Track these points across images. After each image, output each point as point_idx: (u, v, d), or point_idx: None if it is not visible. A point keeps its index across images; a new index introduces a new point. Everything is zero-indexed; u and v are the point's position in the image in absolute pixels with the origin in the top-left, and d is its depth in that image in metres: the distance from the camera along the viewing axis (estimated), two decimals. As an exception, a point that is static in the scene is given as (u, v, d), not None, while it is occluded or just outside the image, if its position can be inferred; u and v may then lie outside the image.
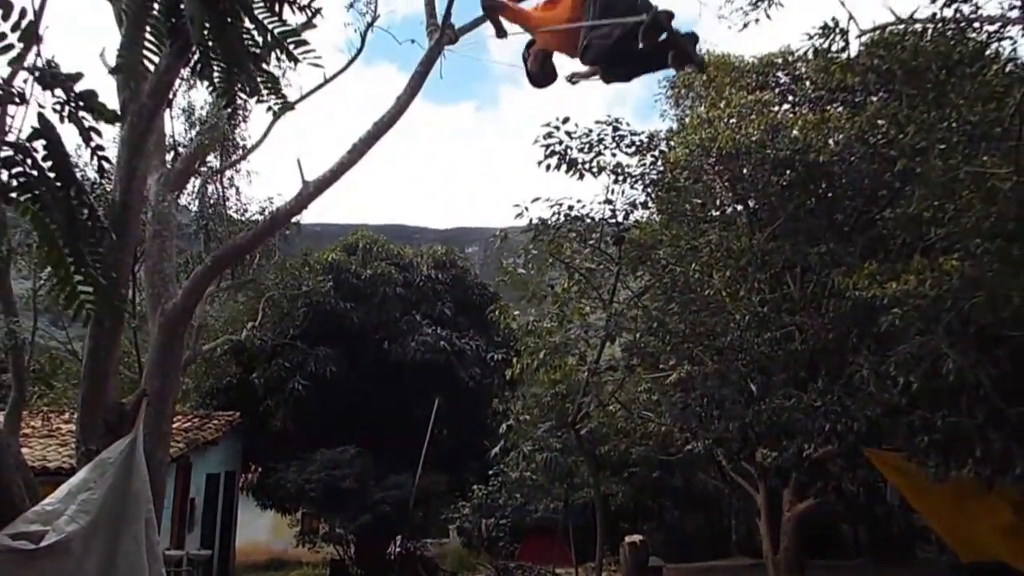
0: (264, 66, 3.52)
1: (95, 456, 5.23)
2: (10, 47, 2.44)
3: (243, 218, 15.15)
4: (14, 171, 2.50)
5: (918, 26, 10.05)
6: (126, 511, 5.04)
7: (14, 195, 2.51)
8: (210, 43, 3.08)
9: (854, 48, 10.25)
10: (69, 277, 2.65)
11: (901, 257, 9.35)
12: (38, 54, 2.51)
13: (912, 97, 9.37)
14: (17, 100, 2.50)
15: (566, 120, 11.06)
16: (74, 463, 5.94)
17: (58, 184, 2.59)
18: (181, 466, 14.59)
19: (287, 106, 4.96)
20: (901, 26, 10.06)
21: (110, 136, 7.18)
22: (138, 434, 5.35)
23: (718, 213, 12.47)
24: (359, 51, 11.23)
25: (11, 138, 2.50)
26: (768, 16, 11.33)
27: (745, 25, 11.14)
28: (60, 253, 2.61)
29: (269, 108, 3.95)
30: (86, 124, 2.67)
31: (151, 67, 3.10)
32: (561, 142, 11.12)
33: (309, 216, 12.58)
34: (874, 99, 10.61)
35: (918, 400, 9.09)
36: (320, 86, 10.98)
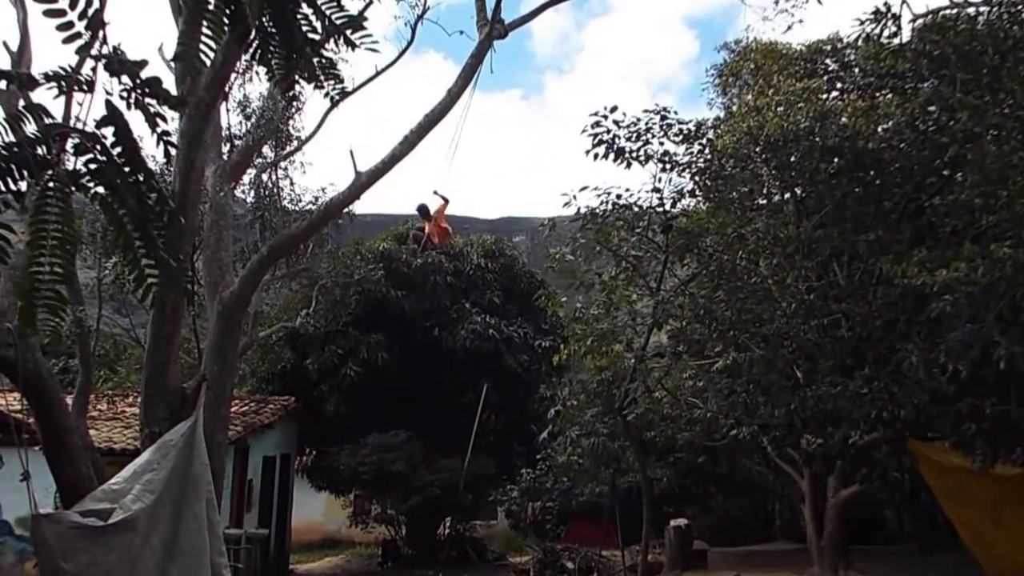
0: (322, 51, 3.52)
1: (158, 438, 5.47)
2: (78, 35, 2.50)
3: (297, 208, 15.45)
4: (85, 158, 2.56)
5: (972, 10, 9.91)
6: (188, 491, 5.29)
7: (85, 181, 2.59)
8: (270, 29, 3.13)
9: (906, 34, 10.17)
10: (138, 261, 2.74)
11: (951, 244, 9.27)
12: (104, 42, 2.56)
13: (966, 82, 9.25)
14: (85, 87, 2.57)
15: (614, 109, 11.12)
16: (138, 444, 6.24)
17: (127, 170, 2.66)
18: (239, 449, 15.05)
19: (345, 92, 5.03)
20: (954, 10, 9.93)
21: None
22: (198, 417, 5.59)
23: (765, 201, 12.42)
24: (409, 43, 11.41)
25: (79, 126, 2.56)
26: (820, 1, 11.29)
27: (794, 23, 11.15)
28: (129, 238, 2.70)
29: (327, 94, 3.91)
30: (152, 110, 2.72)
31: (209, 57, 3.11)
32: (609, 131, 11.17)
33: (361, 206, 12.81)
34: (925, 85, 10.48)
35: (966, 388, 9.04)
36: (373, 77, 11.18)
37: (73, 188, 2.51)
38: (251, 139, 12.58)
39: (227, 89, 11.54)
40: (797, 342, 10.71)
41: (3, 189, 2.34)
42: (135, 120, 2.72)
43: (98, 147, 2.53)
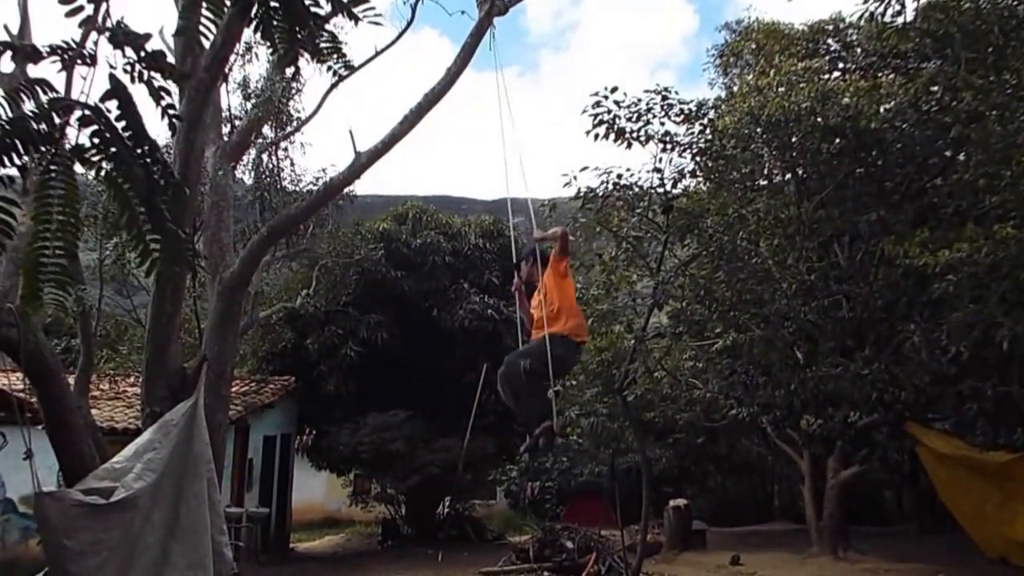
0: (325, 27, 3.44)
1: (159, 418, 5.49)
2: (80, 8, 2.48)
3: (297, 188, 15.40)
4: (91, 131, 2.53)
5: (977, -13, 9.81)
6: (189, 470, 5.32)
7: (89, 155, 2.56)
8: (272, 3, 3.07)
9: (910, 13, 10.09)
10: (142, 236, 2.72)
11: (953, 225, 9.27)
12: (107, 15, 2.55)
13: (970, 61, 9.20)
14: (88, 61, 2.56)
15: (614, 90, 11.02)
16: (140, 424, 6.25)
17: (131, 143, 2.63)
18: (240, 428, 15.08)
19: (349, 66, 4.94)
20: (959, -12, 9.83)
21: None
22: (199, 397, 5.61)
23: (766, 181, 12.39)
24: (410, 22, 11.27)
25: (81, 99, 2.52)
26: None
27: None
28: (134, 212, 2.68)
29: (330, 67, 3.84)
30: (156, 84, 2.71)
31: (212, 32, 3.05)
32: (609, 111, 11.08)
33: (361, 186, 12.76)
34: (928, 65, 10.41)
35: (968, 369, 9.07)
36: (373, 57, 11.05)
37: (77, 163, 2.48)
38: (251, 119, 12.50)
39: (227, 69, 11.45)
40: (797, 323, 10.72)
41: (6, 164, 2.32)
42: (136, 98, 2.70)
43: (103, 120, 2.51)
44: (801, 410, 11.00)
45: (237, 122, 12.63)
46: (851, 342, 10.73)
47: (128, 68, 2.55)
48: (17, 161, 2.29)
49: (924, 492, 14.47)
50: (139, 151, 2.56)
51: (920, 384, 9.38)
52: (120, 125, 2.51)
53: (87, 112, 2.43)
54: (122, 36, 2.47)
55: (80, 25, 2.46)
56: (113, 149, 2.47)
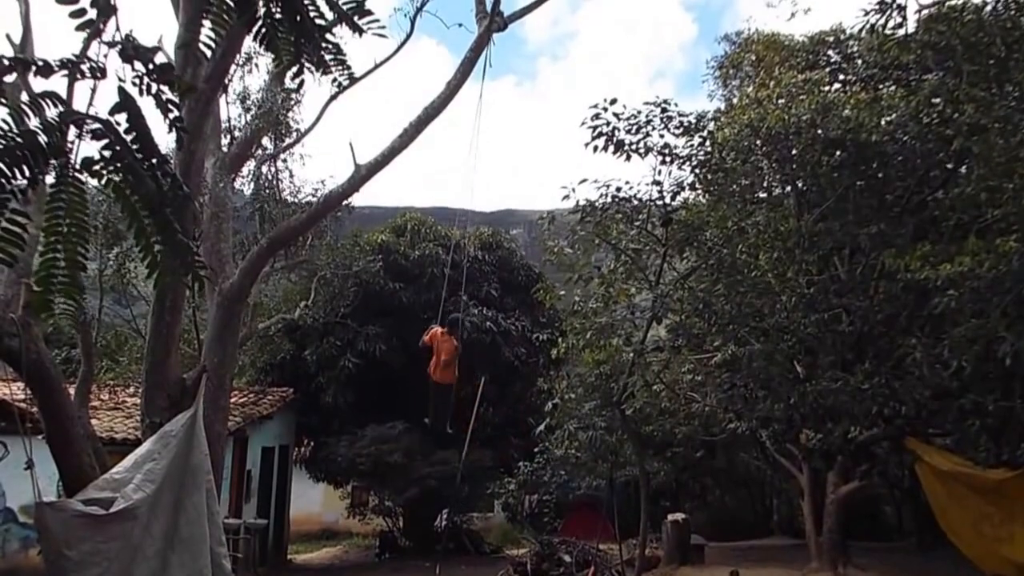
0: (329, 37, 3.46)
1: (159, 428, 5.50)
2: (91, 23, 2.50)
3: (297, 200, 15.45)
4: (102, 144, 2.54)
5: (979, 0, 9.84)
6: (188, 480, 5.33)
7: (99, 167, 2.57)
8: (277, 15, 3.10)
9: (911, 24, 10.12)
10: (151, 247, 2.75)
11: (954, 239, 9.25)
12: (117, 28, 2.56)
13: (973, 74, 9.21)
14: (98, 74, 2.57)
15: (614, 101, 11.03)
16: (139, 434, 6.24)
17: (140, 155, 2.64)
18: (238, 439, 15.04)
19: (352, 77, 4.96)
20: (961, 0, 9.86)
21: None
22: (198, 408, 5.63)
23: (766, 194, 12.39)
24: (408, 35, 11.40)
25: (84, 110, 2.53)
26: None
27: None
28: (142, 223, 2.70)
29: (334, 79, 3.86)
30: (164, 97, 2.71)
31: (216, 43, 3.06)
32: (608, 123, 11.08)
33: (359, 198, 12.80)
34: (930, 77, 10.43)
35: (969, 384, 9.03)
36: (373, 69, 11.16)
37: (86, 175, 2.47)
38: (250, 131, 12.53)
39: (227, 81, 11.47)
40: (797, 336, 10.68)
41: (17, 177, 2.31)
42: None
43: (113, 133, 2.50)
44: (800, 424, 10.95)
45: (236, 133, 12.67)
46: (851, 356, 10.70)
47: (136, 81, 2.54)
48: (28, 173, 2.28)
49: (924, 507, 14.33)
50: (149, 163, 2.55)
51: (921, 399, 9.34)
52: (129, 138, 2.49)
53: (98, 125, 2.42)
54: (131, 50, 2.46)
55: (87, 39, 2.45)
56: (123, 162, 2.46)
